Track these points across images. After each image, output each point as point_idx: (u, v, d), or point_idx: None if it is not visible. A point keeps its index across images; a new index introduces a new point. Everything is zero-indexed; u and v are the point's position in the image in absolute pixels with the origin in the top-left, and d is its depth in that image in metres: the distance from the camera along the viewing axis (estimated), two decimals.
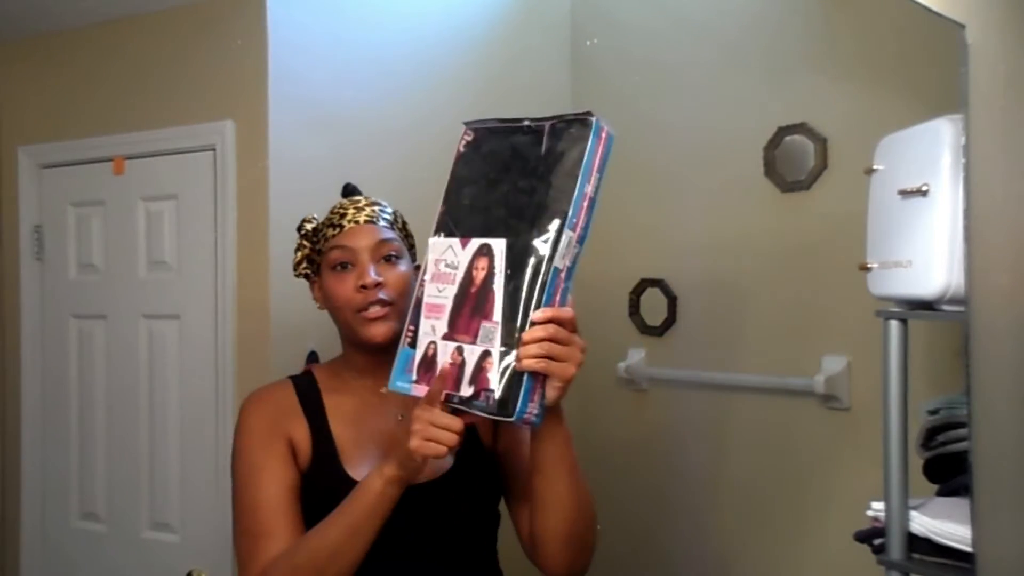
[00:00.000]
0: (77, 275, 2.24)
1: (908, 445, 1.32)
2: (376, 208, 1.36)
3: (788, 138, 1.94)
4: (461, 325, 1.07)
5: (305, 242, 1.39)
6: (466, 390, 1.05)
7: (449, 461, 1.26)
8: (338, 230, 1.33)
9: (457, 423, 1.07)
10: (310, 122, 1.95)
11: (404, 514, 1.17)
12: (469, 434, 1.16)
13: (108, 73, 2.16)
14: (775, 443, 1.98)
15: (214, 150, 1.98)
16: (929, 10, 1.19)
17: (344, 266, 1.31)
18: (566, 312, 1.05)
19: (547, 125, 1.09)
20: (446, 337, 1.09)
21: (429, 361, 1.10)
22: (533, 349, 1.01)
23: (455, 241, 1.11)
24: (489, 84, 2.30)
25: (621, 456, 2.27)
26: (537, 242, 1.03)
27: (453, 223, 1.12)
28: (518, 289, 1.03)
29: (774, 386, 1.95)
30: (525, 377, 1.01)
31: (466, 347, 1.06)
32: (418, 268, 1.34)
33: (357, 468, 1.27)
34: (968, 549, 1.19)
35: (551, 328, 1.02)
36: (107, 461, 2.18)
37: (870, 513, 1.36)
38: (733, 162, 2.04)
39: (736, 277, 2.04)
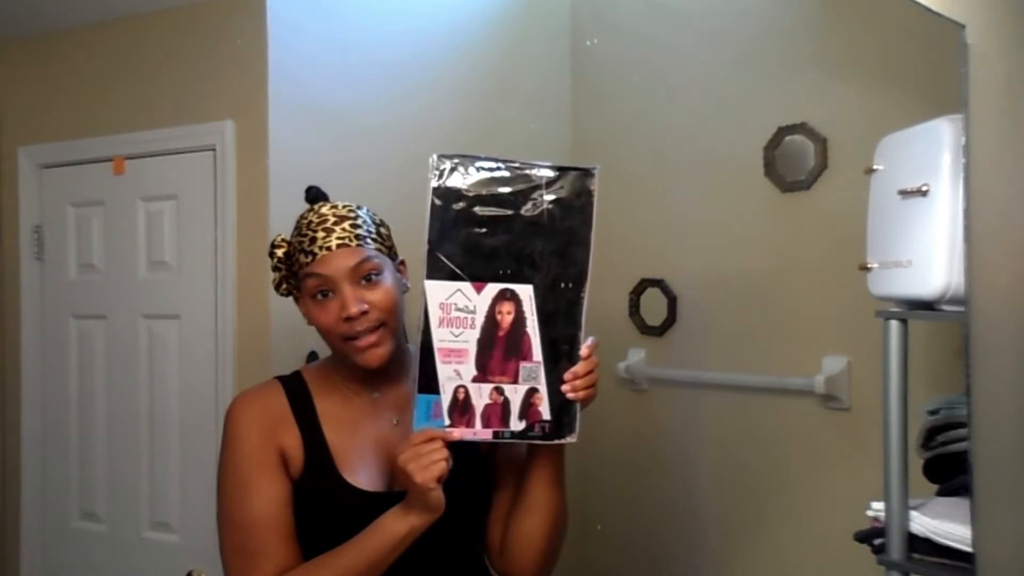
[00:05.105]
0: (77, 275, 2.24)
1: (908, 445, 1.32)
2: (348, 224, 1.26)
3: (788, 138, 1.93)
4: (494, 367, 1.14)
5: (280, 265, 1.32)
6: (516, 425, 1.15)
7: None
8: (311, 257, 1.24)
9: (439, 445, 1.12)
10: (310, 122, 1.95)
11: None
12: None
13: (108, 73, 2.16)
14: (775, 443, 1.98)
15: (214, 150, 1.98)
16: (929, 10, 1.19)
17: (325, 293, 1.24)
18: (595, 343, 1.17)
19: (544, 174, 1.12)
20: (477, 379, 1.14)
21: (463, 404, 1.14)
22: (586, 381, 1.16)
23: (465, 285, 1.12)
24: (489, 84, 2.30)
25: (621, 456, 2.27)
26: (566, 287, 1.13)
27: (456, 267, 1.12)
28: (556, 330, 1.14)
29: (774, 386, 1.95)
30: (576, 404, 1.15)
31: (507, 387, 1.14)
32: (403, 264, 1.35)
33: (355, 474, 1.25)
34: (968, 549, 1.19)
35: (593, 360, 1.16)
36: (107, 461, 2.18)
37: (870, 513, 1.36)
38: (733, 162, 2.04)
39: (736, 277, 2.04)
